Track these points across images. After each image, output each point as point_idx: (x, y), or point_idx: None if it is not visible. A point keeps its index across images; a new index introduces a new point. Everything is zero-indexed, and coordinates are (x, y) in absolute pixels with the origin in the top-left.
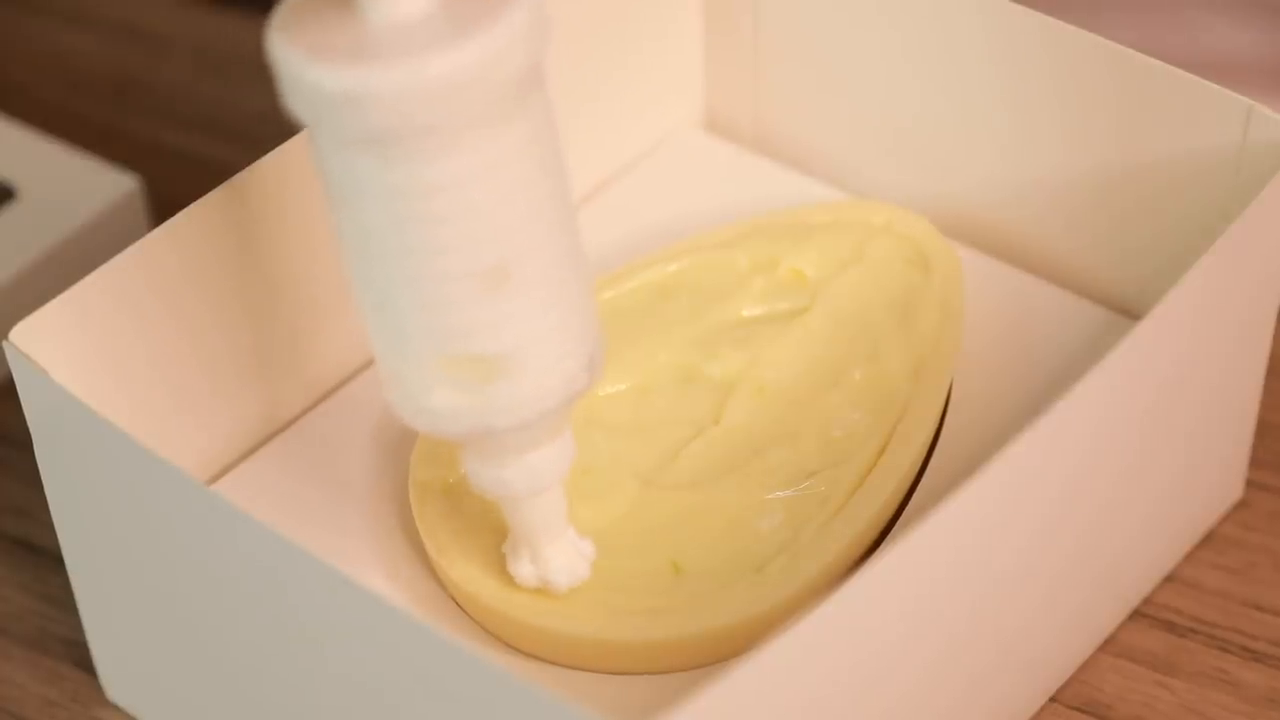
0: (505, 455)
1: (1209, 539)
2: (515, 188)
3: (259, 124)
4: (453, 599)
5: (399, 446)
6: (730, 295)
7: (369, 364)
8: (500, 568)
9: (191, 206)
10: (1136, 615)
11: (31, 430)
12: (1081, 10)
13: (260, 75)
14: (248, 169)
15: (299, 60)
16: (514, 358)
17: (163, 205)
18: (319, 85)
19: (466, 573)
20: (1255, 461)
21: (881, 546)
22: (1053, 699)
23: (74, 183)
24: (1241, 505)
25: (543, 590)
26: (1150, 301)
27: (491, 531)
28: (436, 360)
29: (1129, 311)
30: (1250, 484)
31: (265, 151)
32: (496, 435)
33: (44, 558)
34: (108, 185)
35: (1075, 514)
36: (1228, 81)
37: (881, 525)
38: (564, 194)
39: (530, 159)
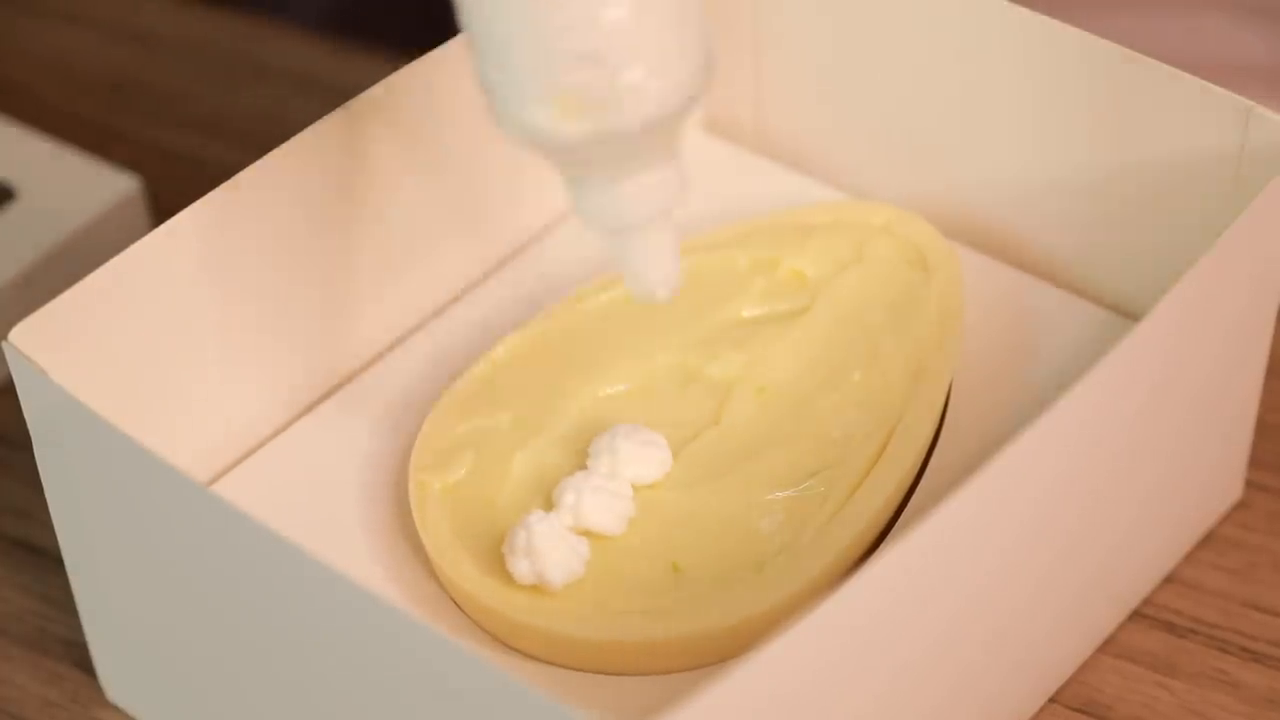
0: (616, 176)
1: (1208, 540)
2: None
3: (259, 124)
4: (452, 599)
5: (399, 447)
6: (730, 296)
7: (369, 364)
8: (499, 568)
9: (191, 207)
10: (1136, 616)
11: (31, 431)
12: (1081, 11)
13: (260, 75)
14: (248, 169)
15: None
16: (635, 69)
17: (162, 206)
18: None
19: (466, 573)
20: (1255, 462)
21: (881, 546)
22: (1053, 699)
23: (74, 183)
24: (1241, 506)
25: (541, 589)
26: (1150, 302)
27: (491, 531)
28: (558, 88)
29: (1128, 312)
30: (1250, 484)
31: (265, 151)
32: (618, 140)
33: (44, 558)
34: (107, 186)
35: (1074, 514)
36: (1228, 84)
37: (881, 525)
38: None
39: None
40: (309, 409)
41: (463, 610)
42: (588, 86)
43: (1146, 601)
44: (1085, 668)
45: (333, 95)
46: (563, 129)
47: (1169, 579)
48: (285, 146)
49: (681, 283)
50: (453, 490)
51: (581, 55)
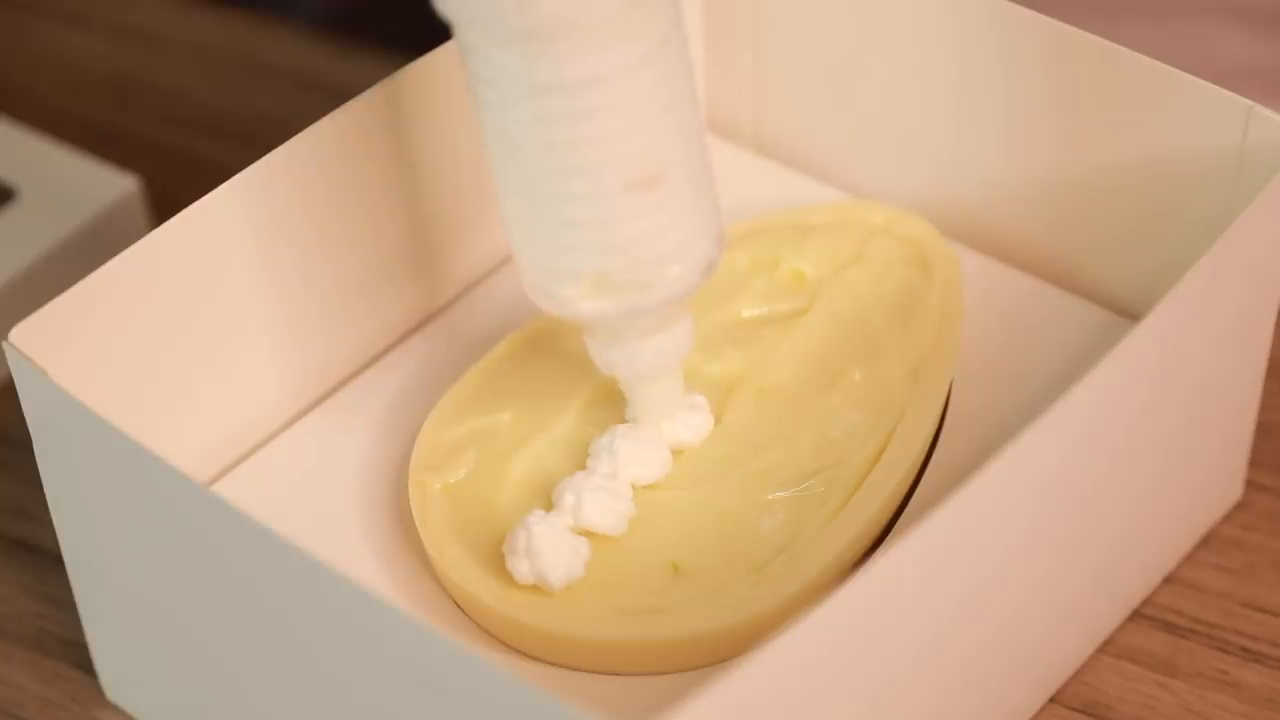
0: (635, 338)
1: (1208, 540)
2: (658, 86)
3: (259, 124)
4: (452, 599)
5: (399, 447)
6: (730, 296)
7: (368, 364)
8: (500, 568)
9: (191, 207)
10: (1136, 616)
11: (31, 431)
12: (1082, 13)
13: (260, 75)
14: (248, 169)
15: None
16: (661, 257)
17: (163, 205)
18: None
19: (466, 573)
20: (1255, 462)
21: (881, 547)
22: (1053, 699)
23: (74, 183)
24: (1241, 506)
25: (541, 589)
26: (1149, 302)
27: (491, 532)
28: (587, 272)
29: (1128, 312)
30: (1250, 485)
31: (265, 151)
32: (635, 319)
33: (44, 558)
34: (108, 185)
35: (1074, 514)
36: (1228, 86)
37: (881, 525)
38: (695, 97)
39: (670, 57)
40: (309, 409)
41: (463, 610)
42: (615, 273)
43: (1146, 602)
44: (1085, 668)
45: (333, 95)
46: (588, 307)
47: (1169, 579)
48: (285, 147)
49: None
50: (453, 490)
51: (609, 248)
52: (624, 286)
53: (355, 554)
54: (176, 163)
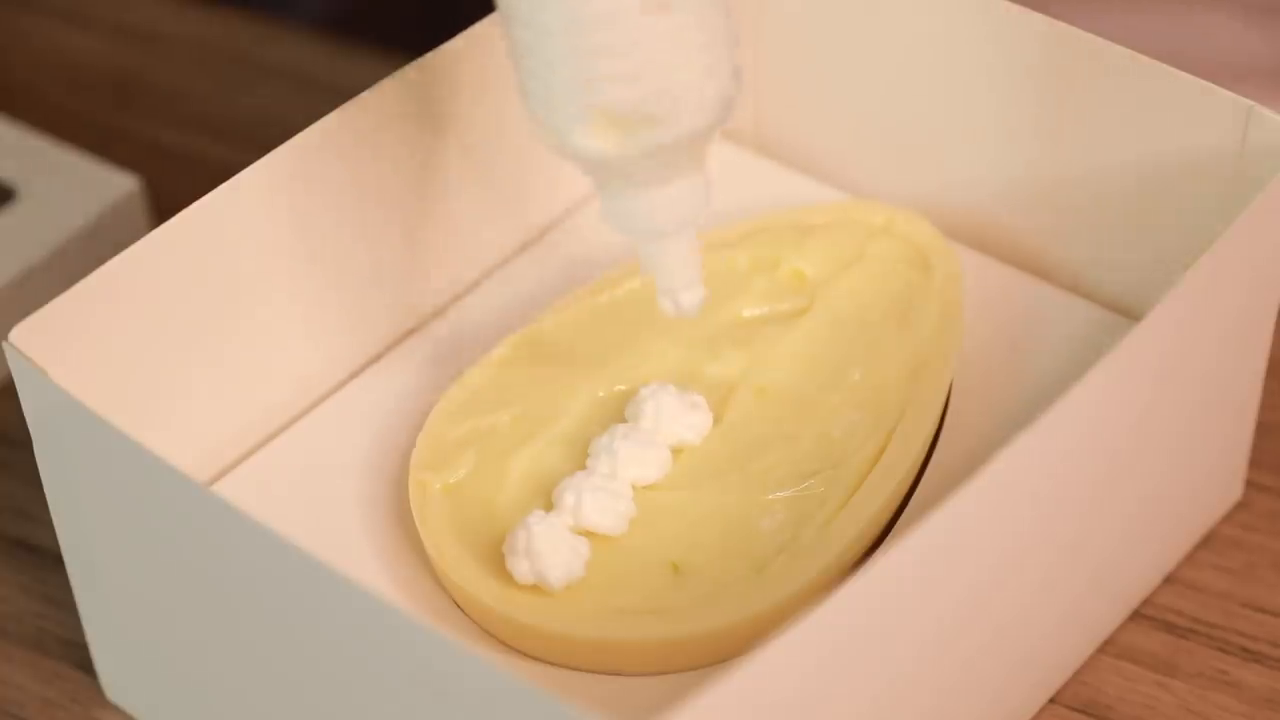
0: (652, 185)
1: (1208, 540)
2: None
3: (259, 124)
4: (452, 599)
5: (399, 447)
6: (731, 296)
7: (368, 365)
8: (500, 568)
9: (191, 207)
10: (1136, 616)
11: (31, 431)
12: (1081, 11)
13: (260, 75)
14: (248, 169)
15: None
16: (676, 88)
17: (163, 206)
18: None
19: (466, 573)
20: (1255, 462)
21: (881, 547)
22: (1053, 700)
23: (74, 183)
24: (1241, 506)
25: (541, 589)
26: (1149, 302)
27: (491, 532)
28: (602, 106)
29: (1128, 312)
30: (1250, 485)
31: (265, 151)
32: (648, 157)
33: (44, 558)
34: (108, 186)
35: (1074, 514)
36: (1227, 82)
37: (881, 525)
38: None
39: None
40: (309, 409)
41: (463, 610)
42: (625, 105)
43: (1147, 602)
44: (1085, 668)
45: (333, 95)
46: (600, 145)
47: (1169, 579)
48: (285, 146)
49: (706, 296)
50: (453, 490)
51: (619, 75)
52: (640, 121)
53: (355, 554)
54: (177, 163)
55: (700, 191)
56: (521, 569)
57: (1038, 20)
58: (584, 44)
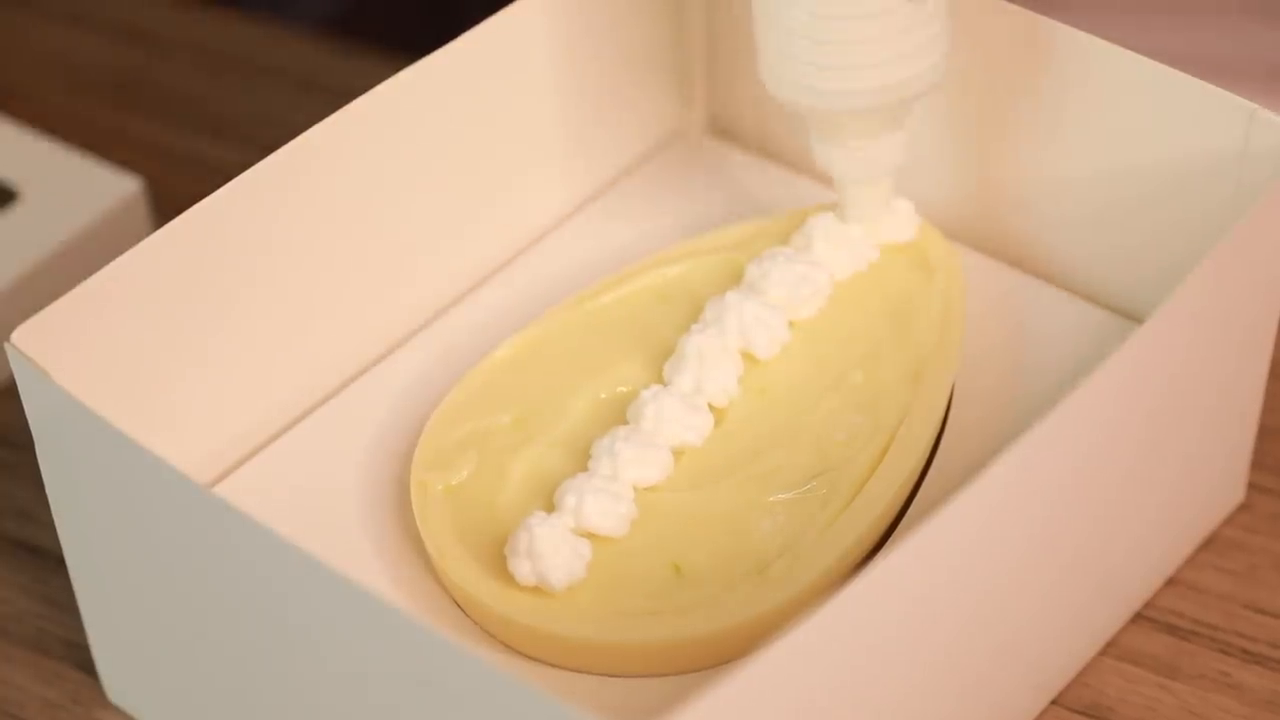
0: (863, 137)
1: (1211, 542)
2: None
3: (260, 125)
4: (453, 600)
5: (400, 448)
6: None
7: (370, 366)
8: (501, 569)
9: (193, 208)
10: (1138, 618)
11: (33, 432)
12: (1081, 10)
13: (262, 77)
14: (249, 170)
15: None
16: (896, 49)
17: (165, 206)
18: None
19: (467, 574)
20: (1257, 464)
21: (883, 549)
22: (1055, 701)
23: (76, 184)
24: (1243, 508)
25: (542, 591)
26: (1152, 304)
27: (493, 533)
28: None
29: (1131, 314)
30: (1252, 487)
31: (267, 152)
32: (878, 112)
33: (45, 559)
34: (110, 186)
35: (1076, 517)
36: (1226, 79)
37: (883, 528)
38: None
39: None
40: (311, 410)
41: (464, 611)
42: (853, 70)
43: (1149, 604)
44: (1087, 670)
45: (335, 97)
46: (832, 103)
47: (1171, 581)
48: (287, 148)
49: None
50: (454, 492)
51: (850, 40)
52: (863, 84)
53: (357, 555)
54: (178, 163)
55: (901, 145)
56: (523, 570)
57: (1039, 22)
58: (820, 10)
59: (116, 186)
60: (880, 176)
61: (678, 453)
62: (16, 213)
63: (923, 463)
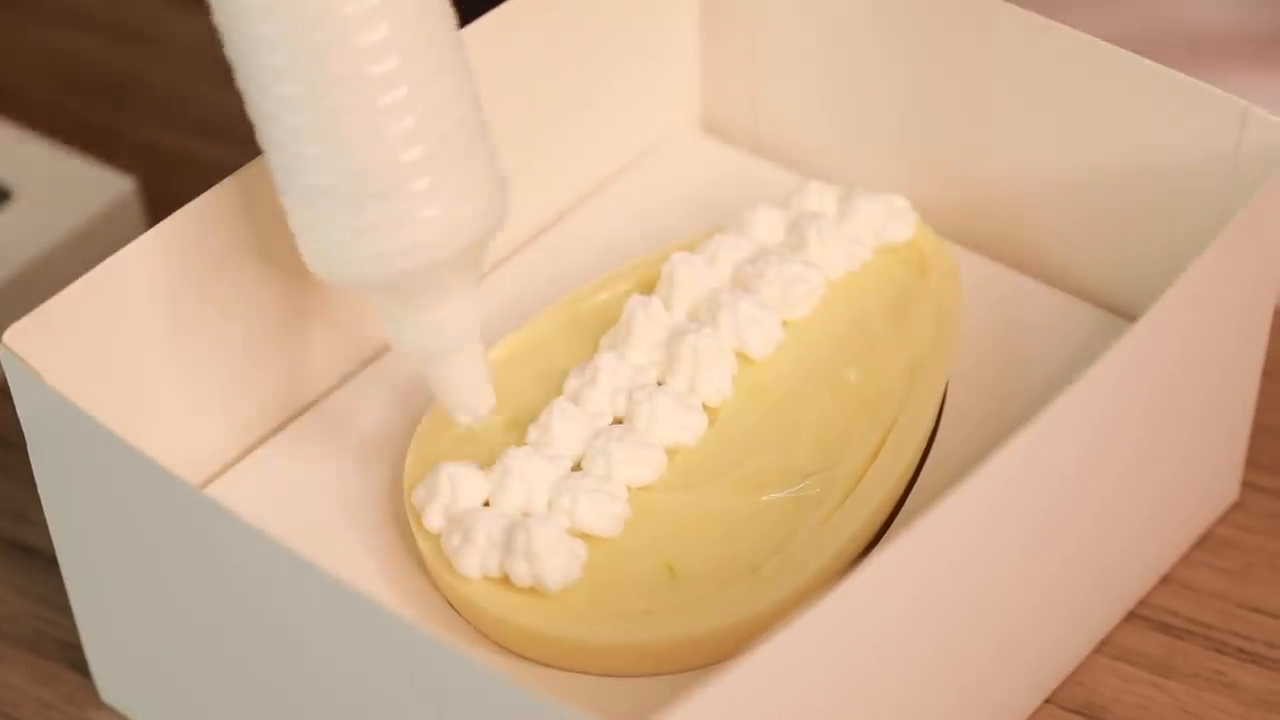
0: (420, 308)
1: (1205, 540)
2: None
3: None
4: (448, 602)
5: (395, 449)
6: None
7: (366, 366)
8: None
9: (187, 207)
10: (1132, 617)
11: (25, 433)
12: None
13: None
14: (243, 169)
15: None
16: (420, 195)
17: (159, 206)
18: None
19: (461, 575)
20: (1251, 463)
21: (877, 548)
22: (1049, 700)
23: (70, 183)
24: (1237, 507)
25: (537, 592)
26: (1146, 303)
27: None
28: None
29: (1125, 313)
30: (1246, 485)
31: (260, 152)
32: (412, 277)
33: (39, 560)
34: (104, 186)
35: (1070, 515)
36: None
37: (877, 527)
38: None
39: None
40: (305, 410)
41: (458, 613)
42: (387, 228)
43: (1143, 602)
44: (1081, 669)
45: None
46: (366, 270)
47: (1165, 580)
48: None
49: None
50: None
51: (379, 196)
52: (398, 243)
53: (350, 556)
54: (173, 163)
55: (473, 310)
56: (519, 571)
57: (1034, 20)
58: (341, 166)
59: (109, 186)
60: (467, 342)
61: (671, 452)
62: (9, 212)
63: (917, 462)
